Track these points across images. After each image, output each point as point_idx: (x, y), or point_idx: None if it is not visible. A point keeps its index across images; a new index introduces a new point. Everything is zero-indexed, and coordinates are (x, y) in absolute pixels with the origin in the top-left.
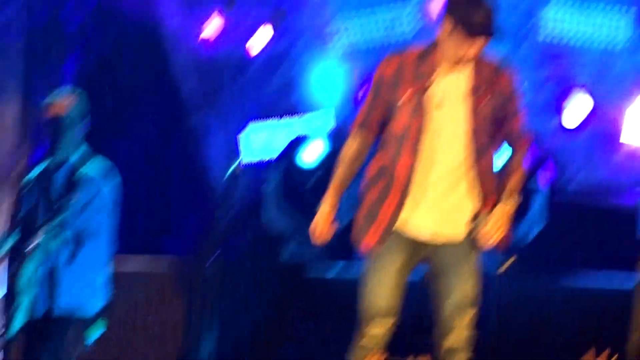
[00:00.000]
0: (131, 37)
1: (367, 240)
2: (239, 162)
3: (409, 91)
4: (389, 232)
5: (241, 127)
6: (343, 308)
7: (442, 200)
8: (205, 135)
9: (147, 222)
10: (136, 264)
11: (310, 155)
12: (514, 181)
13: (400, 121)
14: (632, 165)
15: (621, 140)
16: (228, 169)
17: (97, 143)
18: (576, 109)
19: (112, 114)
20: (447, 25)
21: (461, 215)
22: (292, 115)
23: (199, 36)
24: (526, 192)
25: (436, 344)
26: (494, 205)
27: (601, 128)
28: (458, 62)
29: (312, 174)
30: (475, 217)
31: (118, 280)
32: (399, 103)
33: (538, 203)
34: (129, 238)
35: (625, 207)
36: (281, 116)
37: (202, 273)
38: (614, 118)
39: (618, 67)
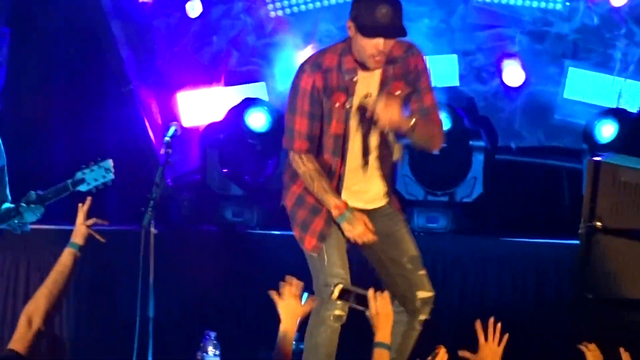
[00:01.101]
0: (67, 4)
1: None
2: (179, 125)
3: (341, 99)
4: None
5: (180, 90)
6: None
7: (365, 186)
8: (144, 99)
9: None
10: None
11: (257, 120)
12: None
13: (331, 127)
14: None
15: (565, 96)
16: (167, 132)
17: (31, 112)
18: (516, 69)
19: (46, 82)
20: (351, 30)
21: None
22: (227, 84)
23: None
24: (469, 150)
25: (408, 297)
26: None
27: (542, 86)
28: (368, 61)
29: (262, 137)
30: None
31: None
32: (331, 111)
33: (481, 160)
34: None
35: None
36: (216, 83)
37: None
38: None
39: (557, 26)
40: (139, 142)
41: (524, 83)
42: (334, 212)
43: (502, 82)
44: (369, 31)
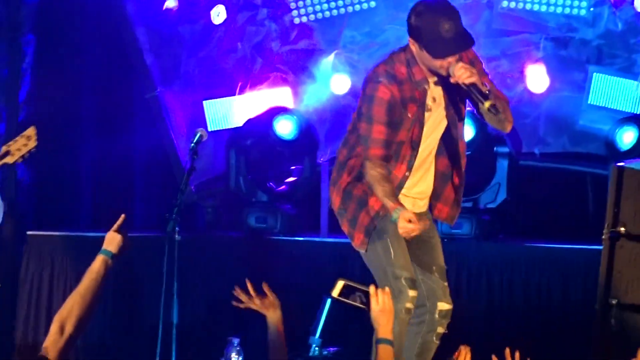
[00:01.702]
0: (91, 11)
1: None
2: (204, 131)
3: (413, 109)
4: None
5: (206, 96)
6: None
7: (421, 192)
8: (169, 105)
9: (114, 198)
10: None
11: (285, 127)
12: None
13: (398, 134)
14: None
15: (589, 102)
16: (193, 139)
17: (55, 119)
18: (540, 75)
19: (71, 89)
20: (415, 46)
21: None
22: (251, 90)
23: (161, 7)
24: (493, 156)
25: (428, 306)
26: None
27: (566, 92)
28: (439, 71)
29: (289, 144)
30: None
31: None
32: (403, 121)
33: (505, 166)
34: (97, 215)
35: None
36: (242, 90)
37: (171, 243)
38: (579, 82)
39: (581, 32)
40: (163, 148)
41: (549, 89)
42: (390, 210)
43: (526, 88)
44: (439, 53)
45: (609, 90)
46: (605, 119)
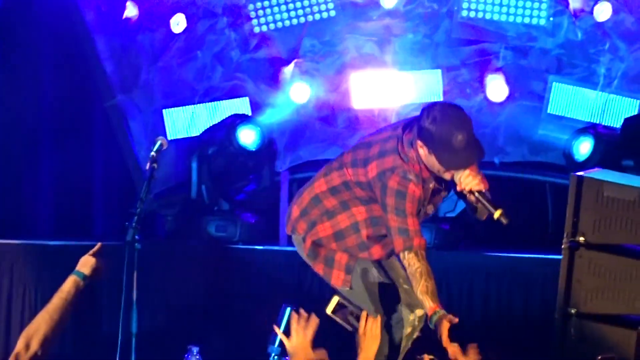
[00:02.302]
0: (50, 19)
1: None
2: (164, 140)
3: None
4: None
5: (165, 105)
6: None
7: None
8: (130, 114)
9: (74, 206)
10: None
11: (247, 137)
12: None
13: None
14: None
15: (549, 111)
16: (153, 147)
17: (13, 126)
18: (500, 85)
19: (29, 96)
20: (424, 149)
21: None
22: (211, 99)
23: (120, 16)
24: None
25: (404, 314)
26: None
27: (526, 101)
28: (444, 176)
29: (250, 154)
30: None
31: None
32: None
33: None
34: (57, 223)
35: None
36: (202, 98)
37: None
38: (539, 91)
39: (541, 41)
40: (123, 157)
41: (508, 98)
42: (429, 312)
43: (486, 97)
44: (450, 165)
45: (568, 99)
46: (565, 129)
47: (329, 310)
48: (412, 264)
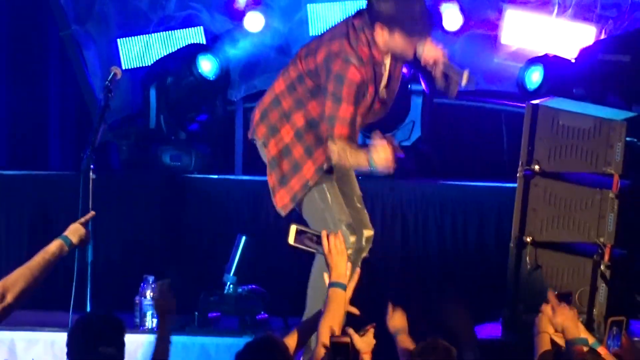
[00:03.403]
0: None
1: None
2: (118, 69)
3: (370, 90)
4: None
5: (120, 35)
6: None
7: None
8: (85, 43)
9: (29, 137)
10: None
11: (206, 66)
12: None
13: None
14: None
15: (502, 42)
16: (107, 77)
17: None
18: (454, 13)
19: None
20: (384, 31)
21: None
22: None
23: None
24: (407, 94)
25: (356, 234)
26: None
27: (481, 31)
28: (403, 55)
29: (208, 83)
30: None
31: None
32: (363, 101)
33: (419, 104)
34: (12, 153)
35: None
36: (156, 28)
37: (86, 181)
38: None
39: None
40: (78, 87)
41: (463, 27)
42: (366, 159)
43: (440, 25)
44: (414, 32)
45: (523, 28)
46: (521, 57)
47: (290, 240)
48: (334, 149)
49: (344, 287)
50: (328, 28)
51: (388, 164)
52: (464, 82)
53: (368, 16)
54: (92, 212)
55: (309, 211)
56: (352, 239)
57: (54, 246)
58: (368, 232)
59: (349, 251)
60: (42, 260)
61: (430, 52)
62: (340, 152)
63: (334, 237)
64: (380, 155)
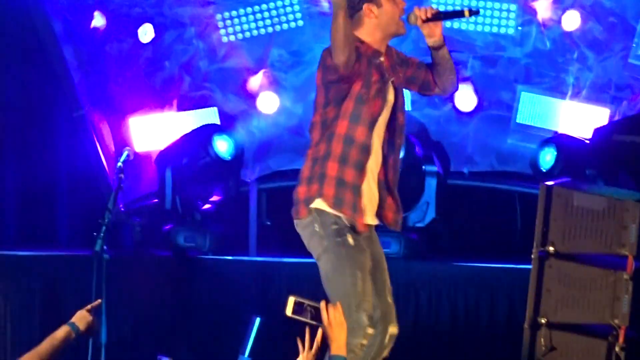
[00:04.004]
0: (17, 28)
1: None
2: (131, 150)
3: (375, 77)
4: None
5: (133, 115)
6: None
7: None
8: (96, 124)
9: (39, 217)
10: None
11: (222, 146)
12: None
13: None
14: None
15: (517, 121)
16: (119, 158)
17: None
18: (468, 94)
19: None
20: (373, 8)
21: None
22: (178, 109)
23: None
24: (422, 175)
25: (380, 329)
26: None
27: (495, 111)
28: (398, 28)
29: (224, 164)
30: None
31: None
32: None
33: (433, 185)
34: (23, 233)
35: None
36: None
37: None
38: (507, 100)
39: (509, 50)
40: (91, 167)
41: (477, 108)
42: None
43: (454, 106)
44: None
45: (537, 109)
46: (534, 138)
47: (288, 312)
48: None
49: None
50: None
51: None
52: (466, 15)
53: (351, 12)
54: (99, 300)
55: (332, 282)
56: (371, 331)
57: (61, 333)
58: (393, 329)
59: (364, 341)
60: (50, 346)
61: (421, 12)
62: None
63: (333, 308)
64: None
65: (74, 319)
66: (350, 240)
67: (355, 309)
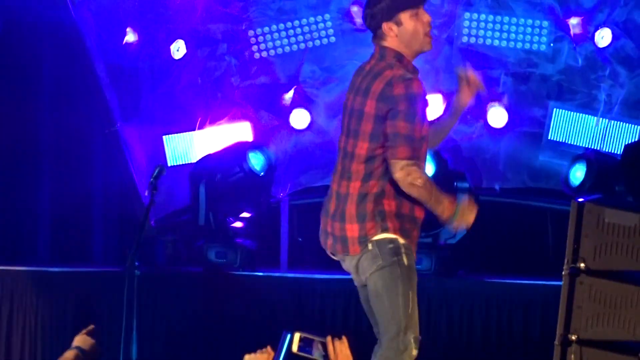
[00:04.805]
0: (49, 44)
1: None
2: (163, 166)
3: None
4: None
5: (165, 131)
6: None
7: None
8: (129, 140)
9: (72, 233)
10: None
11: (256, 162)
12: None
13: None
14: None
15: (549, 137)
16: (152, 174)
17: (14, 153)
18: (500, 111)
19: (29, 123)
20: (393, 27)
21: None
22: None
23: (121, 41)
24: (453, 192)
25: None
26: None
27: (526, 128)
28: (424, 44)
29: (257, 180)
30: None
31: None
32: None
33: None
34: (55, 250)
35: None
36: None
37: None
38: (539, 117)
39: (541, 67)
40: (123, 183)
41: (508, 124)
42: (450, 209)
43: (486, 123)
44: (416, 2)
45: (569, 125)
46: (566, 155)
47: (294, 348)
48: (418, 176)
49: None
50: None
51: (468, 225)
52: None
53: (374, 32)
54: (92, 326)
55: (385, 304)
56: (414, 352)
57: (69, 354)
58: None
59: None
60: None
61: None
62: (427, 185)
63: (339, 343)
64: (467, 214)
65: (76, 343)
66: (405, 260)
67: (404, 330)
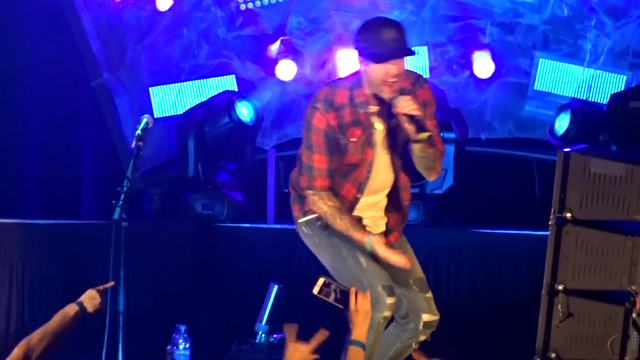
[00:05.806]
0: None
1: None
2: (151, 117)
3: (356, 133)
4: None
5: (152, 83)
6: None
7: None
8: (117, 92)
9: (60, 186)
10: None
11: (245, 112)
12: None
13: (346, 158)
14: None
15: (535, 88)
16: (139, 125)
17: (4, 106)
18: (486, 61)
19: (18, 78)
20: (362, 64)
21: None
22: (197, 77)
23: None
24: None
25: (411, 317)
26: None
27: (512, 78)
28: (382, 90)
29: (247, 129)
30: None
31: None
32: (347, 145)
33: (451, 152)
34: (43, 203)
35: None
36: (188, 76)
37: (118, 230)
38: (525, 67)
39: (527, 17)
40: (110, 135)
41: (495, 75)
42: (361, 243)
43: (472, 73)
44: (380, 57)
45: (555, 75)
46: (552, 105)
47: (315, 290)
48: (320, 206)
49: (364, 347)
50: None
51: (388, 258)
52: (420, 137)
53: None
54: (112, 282)
55: (341, 272)
56: (390, 300)
57: (70, 311)
58: (427, 317)
59: (386, 313)
60: (60, 322)
61: (404, 105)
62: (326, 215)
63: (362, 295)
64: (384, 251)
65: (82, 298)
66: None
67: (367, 284)
